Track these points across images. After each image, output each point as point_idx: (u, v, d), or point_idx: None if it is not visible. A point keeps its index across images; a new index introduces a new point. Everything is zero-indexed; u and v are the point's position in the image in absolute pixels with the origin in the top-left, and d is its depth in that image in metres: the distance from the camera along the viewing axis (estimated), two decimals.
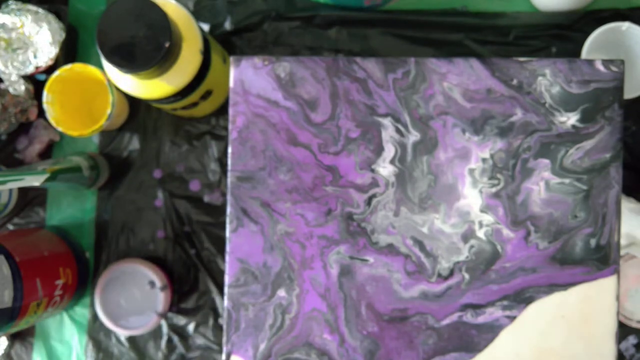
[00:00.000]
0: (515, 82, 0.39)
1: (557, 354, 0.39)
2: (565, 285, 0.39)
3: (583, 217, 0.39)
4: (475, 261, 0.39)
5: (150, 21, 0.45)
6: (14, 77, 0.58)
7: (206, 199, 0.61)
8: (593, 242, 0.39)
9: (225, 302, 0.40)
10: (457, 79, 0.40)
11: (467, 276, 0.39)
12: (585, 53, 0.55)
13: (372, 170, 0.40)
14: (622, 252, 0.54)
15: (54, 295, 0.53)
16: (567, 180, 0.39)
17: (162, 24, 0.45)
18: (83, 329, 0.61)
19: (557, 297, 0.39)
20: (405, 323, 0.39)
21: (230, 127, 0.40)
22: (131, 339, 0.60)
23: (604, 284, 0.39)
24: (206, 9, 0.61)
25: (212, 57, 0.52)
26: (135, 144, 0.61)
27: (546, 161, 0.39)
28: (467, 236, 0.39)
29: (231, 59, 0.40)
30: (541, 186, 0.39)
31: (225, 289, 0.40)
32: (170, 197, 0.61)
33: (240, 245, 0.40)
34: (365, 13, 0.61)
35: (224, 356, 0.40)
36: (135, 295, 0.57)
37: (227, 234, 0.40)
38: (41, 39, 0.58)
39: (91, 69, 0.55)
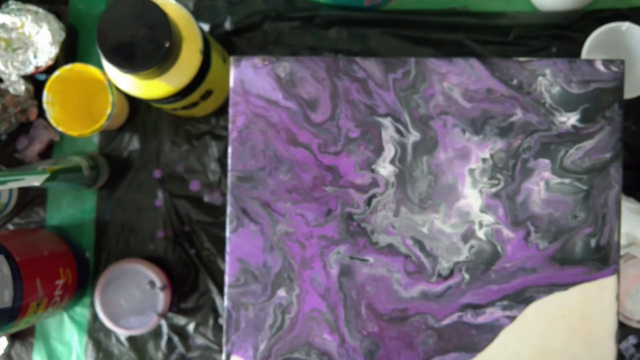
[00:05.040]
0: (515, 82, 0.39)
1: (557, 354, 0.39)
2: (565, 285, 0.39)
3: (583, 217, 0.39)
4: (475, 261, 0.39)
5: (150, 21, 0.45)
6: (14, 77, 0.58)
7: (206, 199, 0.61)
8: (593, 242, 0.39)
9: (225, 302, 0.40)
10: (457, 79, 0.40)
11: (467, 276, 0.39)
12: (585, 53, 0.55)
13: (372, 170, 0.40)
14: (622, 252, 0.54)
15: (54, 295, 0.53)
16: (567, 180, 0.39)
17: (162, 24, 0.45)
18: (83, 329, 0.61)
19: (557, 297, 0.39)
20: (405, 323, 0.39)
21: (230, 127, 0.40)
22: (131, 339, 0.60)
23: (604, 284, 0.39)
24: (206, 9, 0.61)
25: (212, 57, 0.52)
26: (135, 144, 0.61)
27: (546, 161, 0.39)
28: (467, 236, 0.39)
29: (231, 59, 0.40)
30: (541, 186, 0.39)
31: (225, 289, 0.40)
32: (170, 197, 0.61)
33: (240, 245, 0.40)
34: (365, 13, 0.60)
35: (224, 356, 0.40)
36: (135, 295, 0.57)
37: (227, 234, 0.40)
38: (41, 39, 0.58)
39: (91, 69, 0.55)
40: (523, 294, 0.39)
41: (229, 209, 0.40)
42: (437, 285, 0.39)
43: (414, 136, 0.40)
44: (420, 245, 0.39)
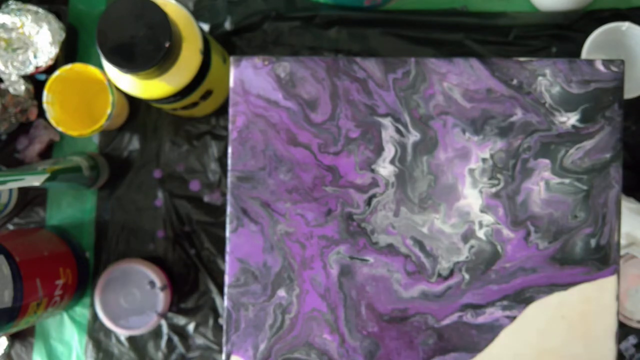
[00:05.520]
0: (515, 82, 0.39)
1: (557, 354, 0.39)
2: (565, 285, 0.39)
3: (583, 217, 0.39)
4: (475, 261, 0.39)
5: (150, 21, 0.45)
6: (14, 77, 0.58)
7: (206, 199, 0.61)
8: (593, 242, 0.39)
9: (225, 302, 0.40)
10: (457, 79, 0.40)
11: (467, 276, 0.39)
12: (585, 53, 0.55)
13: (372, 170, 0.40)
14: (622, 252, 0.54)
15: (54, 295, 0.53)
16: (567, 180, 0.39)
17: (162, 24, 0.45)
18: (83, 329, 0.61)
19: (557, 297, 0.39)
20: (405, 323, 0.39)
21: (230, 127, 0.40)
22: (131, 339, 0.60)
23: (604, 284, 0.39)
24: (206, 9, 0.61)
25: (212, 57, 0.52)
26: (135, 144, 0.61)
27: (546, 161, 0.39)
28: (467, 236, 0.39)
29: (231, 59, 0.40)
30: (541, 186, 0.39)
31: (225, 289, 0.40)
32: (170, 197, 0.61)
33: (240, 245, 0.40)
34: (365, 13, 0.61)
35: (224, 356, 0.40)
36: (135, 295, 0.57)
37: (227, 234, 0.40)
38: (41, 39, 0.58)
39: (91, 69, 0.55)
40: (523, 294, 0.39)
41: (229, 209, 0.40)
42: (437, 285, 0.39)
43: (414, 136, 0.40)
44: (420, 245, 0.39)
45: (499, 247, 0.39)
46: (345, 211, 0.39)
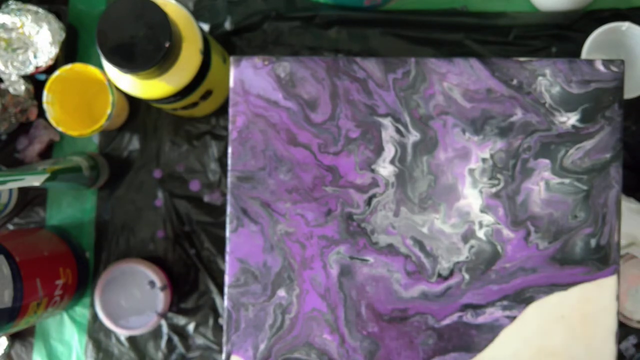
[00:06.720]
0: (515, 82, 0.39)
1: (557, 354, 0.39)
2: (565, 285, 0.39)
3: (583, 217, 0.39)
4: (475, 261, 0.39)
5: (150, 21, 0.45)
6: (14, 77, 0.58)
7: (206, 199, 0.61)
8: (593, 242, 0.39)
9: (225, 302, 0.40)
10: (457, 79, 0.40)
11: (467, 276, 0.39)
12: (585, 53, 0.55)
13: (372, 171, 0.40)
14: (622, 252, 0.54)
15: (54, 295, 0.53)
16: (567, 180, 0.39)
17: (162, 24, 0.45)
18: (83, 329, 0.61)
19: (557, 297, 0.39)
20: (405, 323, 0.39)
21: (230, 127, 0.40)
22: (131, 339, 0.60)
23: (604, 284, 0.39)
24: (206, 9, 0.61)
25: (212, 57, 0.52)
26: (135, 144, 0.61)
27: (546, 161, 0.39)
28: (467, 236, 0.39)
29: (231, 59, 0.40)
30: (541, 186, 0.39)
31: (225, 289, 0.40)
32: (170, 197, 0.61)
33: (240, 245, 0.40)
34: (365, 13, 0.61)
35: (224, 356, 0.40)
36: (135, 295, 0.57)
37: (227, 234, 0.40)
38: (41, 39, 0.58)
39: (91, 69, 0.55)
40: (523, 294, 0.39)
41: (229, 209, 0.40)
42: (437, 285, 0.39)
43: (414, 136, 0.40)
44: (420, 245, 0.39)
45: (499, 247, 0.39)
46: (345, 211, 0.39)
